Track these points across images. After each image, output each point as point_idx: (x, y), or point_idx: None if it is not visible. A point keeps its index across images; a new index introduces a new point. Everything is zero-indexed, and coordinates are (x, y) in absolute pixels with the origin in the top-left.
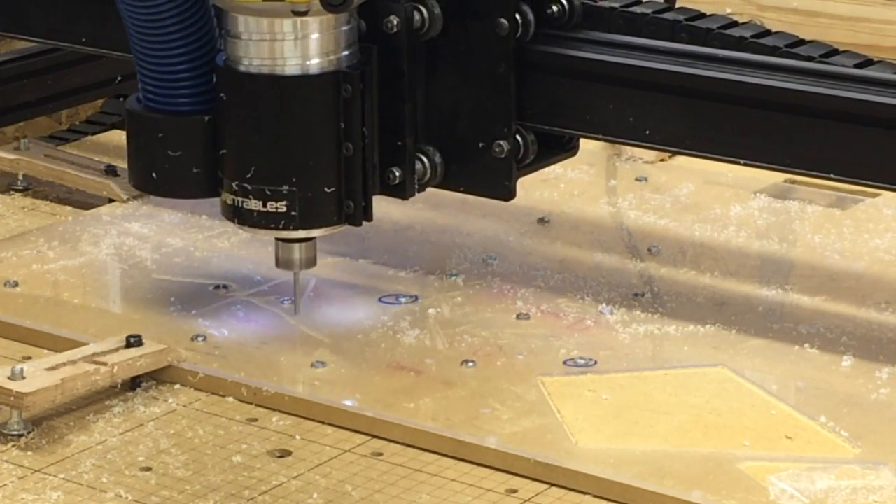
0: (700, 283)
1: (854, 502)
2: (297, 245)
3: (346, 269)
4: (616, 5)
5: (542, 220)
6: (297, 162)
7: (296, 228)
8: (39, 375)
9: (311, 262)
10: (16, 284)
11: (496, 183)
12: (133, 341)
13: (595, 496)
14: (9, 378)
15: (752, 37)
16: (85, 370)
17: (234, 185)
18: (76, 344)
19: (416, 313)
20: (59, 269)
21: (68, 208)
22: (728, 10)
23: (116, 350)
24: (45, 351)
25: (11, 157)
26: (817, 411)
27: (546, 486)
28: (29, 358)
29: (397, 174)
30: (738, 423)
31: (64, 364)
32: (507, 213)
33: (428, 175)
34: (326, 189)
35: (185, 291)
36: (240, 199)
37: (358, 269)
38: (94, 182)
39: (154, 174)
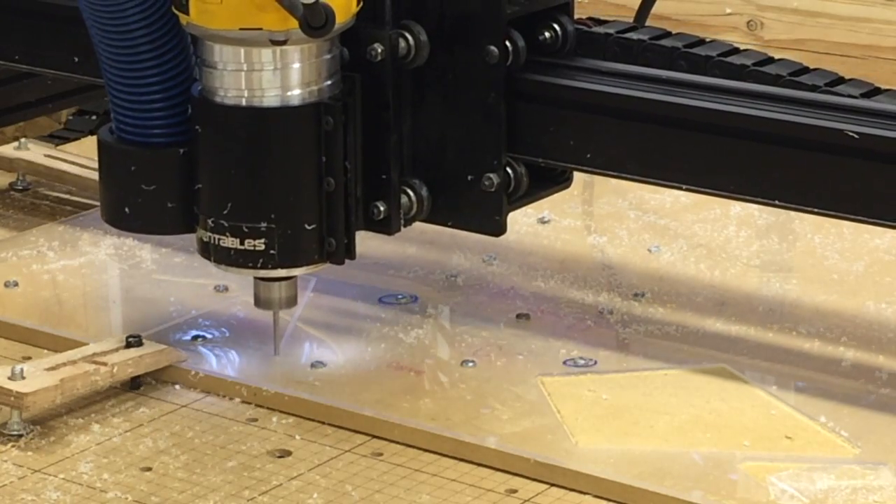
0: (700, 283)
1: (854, 502)
2: (276, 284)
3: (346, 269)
4: (611, 31)
5: (542, 220)
6: (276, 197)
7: (275, 267)
8: (39, 375)
9: (291, 302)
10: (16, 284)
11: (486, 218)
12: (133, 341)
13: (595, 496)
14: (9, 378)
15: (754, 64)
16: (85, 370)
17: (209, 221)
18: (76, 344)
19: (416, 313)
20: (59, 269)
21: (68, 208)
22: (728, 10)
23: (116, 350)
24: (45, 351)
25: (11, 157)
26: (817, 411)
27: (546, 486)
28: (29, 358)
29: (382, 209)
30: (738, 423)
31: (64, 364)
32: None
33: (414, 209)
34: (307, 226)
35: (185, 291)
36: (216, 236)
37: (358, 269)
38: (94, 182)
39: (127, 209)
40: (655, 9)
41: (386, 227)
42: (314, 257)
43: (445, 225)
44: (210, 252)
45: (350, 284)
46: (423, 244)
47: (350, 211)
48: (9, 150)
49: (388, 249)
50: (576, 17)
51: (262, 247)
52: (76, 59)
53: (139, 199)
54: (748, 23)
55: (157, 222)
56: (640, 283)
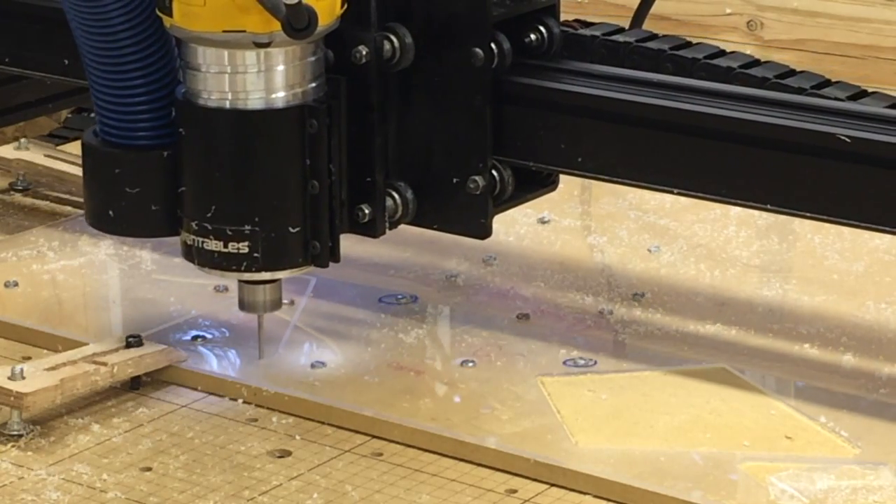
0: (700, 283)
1: (854, 502)
2: (260, 287)
3: (346, 269)
4: (598, 34)
5: (542, 221)
6: (260, 200)
7: (259, 270)
8: (39, 375)
9: (275, 305)
10: (16, 284)
11: (471, 220)
12: (133, 341)
13: (595, 496)
14: (9, 378)
15: (740, 67)
16: (85, 370)
17: (193, 224)
18: (76, 344)
19: (416, 313)
20: (59, 269)
21: (68, 208)
22: (728, 10)
23: (116, 350)
24: (45, 351)
25: (11, 157)
26: (817, 411)
27: (546, 486)
28: (29, 358)
29: (367, 211)
30: (738, 423)
31: (64, 364)
32: (507, 213)
33: (399, 212)
34: (291, 229)
35: (185, 291)
36: (200, 239)
37: (358, 269)
38: None
39: (111, 212)
40: (655, 9)
41: (371, 229)
42: (298, 260)
43: (431, 228)
44: (194, 255)
45: (350, 285)
46: (423, 244)
47: (334, 214)
48: (9, 150)
49: (389, 250)
50: (573, 18)
51: (246, 250)
52: (66, 62)
53: (123, 201)
54: (748, 23)
55: (141, 225)
56: (640, 283)
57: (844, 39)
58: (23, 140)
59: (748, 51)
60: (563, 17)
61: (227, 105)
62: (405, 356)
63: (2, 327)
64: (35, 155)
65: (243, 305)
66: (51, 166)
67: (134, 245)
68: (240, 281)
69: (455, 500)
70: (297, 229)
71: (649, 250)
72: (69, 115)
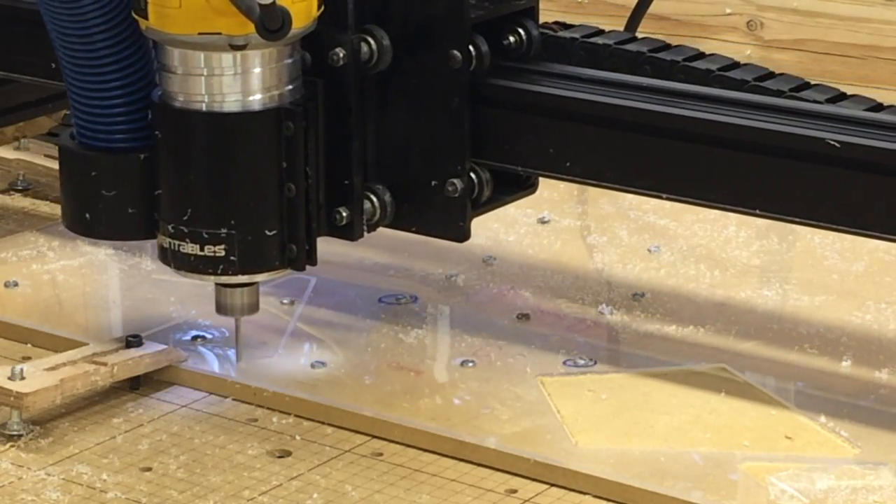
0: (700, 283)
1: (854, 502)
2: (237, 290)
3: (346, 269)
4: (577, 36)
5: (541, 221)
6: (237, 203)
7: (235, 273)
8: (39, 375)
9: (253, 308)
10: (16, 284)
11: (449, 223)
12: (133, 341)
13: (595, 496)
14: (9, 378)
15: (719, 69)
16: (85, 370)
17: (169, 227)
18: (76, 344)
19: (416, 313)
20: (59, 269)
21: None
22: (728, 10)
23: (116, 350)
24: (45, 351)
25: (11, 157)
26: (817, 411)
27: (546, 486)
28: (29, 358)
29: (344, 215)
30: (738, 423)
31: (64, 364)
32: (507, 213)
33: (377, 215)
34: (267, 232)
35: (185, 291)
36: (176, 242)
37: (358, 269)
38: None
39: (87, 215)
40: (655, 9)
41: (349, 232)
42: (275, 263)
43: (409, 231)
44: (170, 258)
45: (350, 285)
46: (423, 244)
47: (311, 217)
48: (9, 150)
49: (388, 249)
50: (562, 20)
51: (223, 253)
52: (53, 66)
53: (100, 204)
54: (748, 23)
55: (118, 228)
56: (640, 283)
57: (844, 39)
58: (23, 140)
59: (748, 51)
60: (563, 18)
61: (203, 107)
62: (405, 356)
63: (2, 327)
64: (35, 155)
65: (220, 309)
66: (51, 166)
67: (134, 245)
68: (216, 284)
69: (455, 500)
70: (274, 232)
71: (649, 250)
72: (67, 113)
